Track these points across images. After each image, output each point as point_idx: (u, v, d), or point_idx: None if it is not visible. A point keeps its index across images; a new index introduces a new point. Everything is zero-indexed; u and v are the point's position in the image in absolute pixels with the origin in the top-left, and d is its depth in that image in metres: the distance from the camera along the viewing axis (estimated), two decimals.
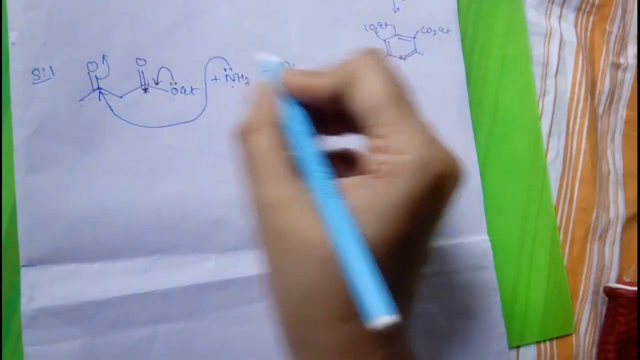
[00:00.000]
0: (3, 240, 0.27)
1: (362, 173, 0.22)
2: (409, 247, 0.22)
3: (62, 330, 0.27)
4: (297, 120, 0.24)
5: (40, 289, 0.27)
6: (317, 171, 0.22)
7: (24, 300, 0.27)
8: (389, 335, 0.22)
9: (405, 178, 0.20)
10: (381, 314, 0.18)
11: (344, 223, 0.20)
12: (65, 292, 0.27)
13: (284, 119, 0.24)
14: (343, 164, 0.26)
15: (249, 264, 0.30)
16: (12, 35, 0.27)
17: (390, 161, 0.21)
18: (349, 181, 0.22)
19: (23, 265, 0.27)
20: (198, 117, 0.30)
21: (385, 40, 0.34)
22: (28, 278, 0.27)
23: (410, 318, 0.24)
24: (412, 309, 0.24)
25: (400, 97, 0.22)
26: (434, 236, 0.23)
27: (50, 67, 0.28)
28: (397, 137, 0.21)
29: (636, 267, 0.41)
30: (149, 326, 0.28)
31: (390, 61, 0.23)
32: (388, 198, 0.20)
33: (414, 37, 0.34)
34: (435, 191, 0.21)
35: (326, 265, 0.20)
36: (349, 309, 0.20)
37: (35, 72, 0.28)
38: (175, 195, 0.29)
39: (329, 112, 0.24)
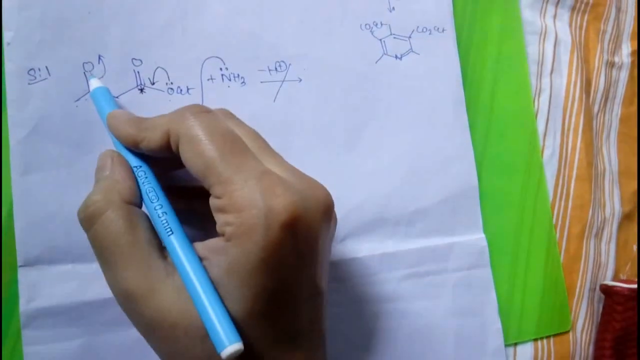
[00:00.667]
0: (2, 240, 0.27)
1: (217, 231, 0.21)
2: (288, 296, 0.21)
3: (61, 330, 0.27)
4: (144, 179, 0.23)
5: (38, 289, 0.27)
6: (176, 241, 0.21)
7: (22, 300, 0.27)
8: None
9: (253, 236, 0.19)
10: (227, 344, 0.18)
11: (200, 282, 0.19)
12: (64, 292, 0.27)
13: (128, 185, 0.22)
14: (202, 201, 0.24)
15: None
16: (7, 35, 0.27)
17: (233, 221, 0.20)
18: (207, 246, 0.21)
19: (21, 266, 0.27)
20: None
21: (380, 40, 0.34)
22: (26, 278, 0.27)
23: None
24: (325, 343, 0.23)
25: (228, 149, 0.21)
26: (318, 274, 0.22)
27: (46, 67, 0.28)
28: (235, 194, 0.20)
29: (631, 265, 0.42)
30: None
31: (205, 113, 0.23)
32: (244, 260, 0.19)
33: (410, 37, 0.34)
34: (290, 240, 0.20)
35: (205, 342, 0.19)
36: None
37: (31, 72, 0.28)
38: None
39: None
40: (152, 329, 0.20)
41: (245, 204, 0.19)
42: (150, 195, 0.22)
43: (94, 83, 0.27)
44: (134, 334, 0.27)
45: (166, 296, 0.20)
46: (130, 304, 0.21)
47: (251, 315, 0.20)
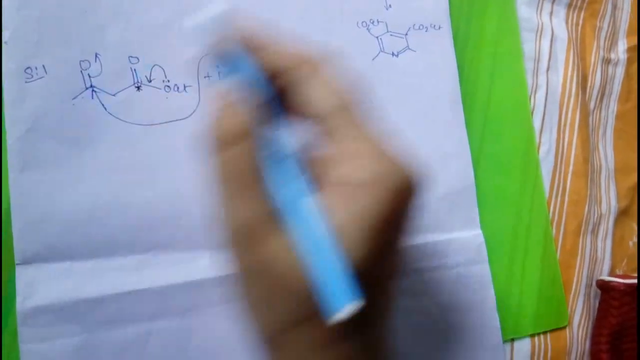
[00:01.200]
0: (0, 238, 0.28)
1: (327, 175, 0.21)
2: (377, 262, 0.21)
3: (58, 328, 0.27)
4: (267, 113, 0.22)
5: (35, 287, 0.27)
6: (293, 184, 0.21)
7: (19, 298, 0.27)
8: (356, 328, 0.21)
9: (379, 186, 0.20)
10: (346, 302, 0.18)
11: (317, 228, 0.19)
12: (61, 290, 0.27)
13: (255, 119, 0.22)
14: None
15: None
16: (5, 34, 0.27)
17: (344, 179, 0.20)
18: (322, 195, 0.21)
19: (18, 264, 0.27)
20: (191, 114, 0.30)
21: (377, 37, 0.34)
22: (23, 276, 0.27)
23: (392, 318, 0.23)
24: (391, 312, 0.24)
25: (347, 108, 0.21)
26: (399, 248, 0.22)
27: (43, 65, 0.28)
28: (349, 155, 0.20)
29: (628, 261, 0.42)
30: (145, 323, 0.28)
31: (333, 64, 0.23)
32: (346, 215, 0.19)
33: (406, 34, 0.35)
34: (394, 206, 0.20)
35: (310, 298, 0.19)
36: (335, 334, 0.20)
37: (28, 70, 0.28)
38: (169, 193, 0.29)
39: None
40: (255, 269, 0.20)
41: (353, 172, 0.20)
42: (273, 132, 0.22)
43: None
44: (131, 331, 0.28)
45: (275, 243, 0.20)
46: (245, 239, 0.20)
47: (358, 259, 0.20)
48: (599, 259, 0.40)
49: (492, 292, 0.35)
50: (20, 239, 0.27)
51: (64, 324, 0.27)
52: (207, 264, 0.29)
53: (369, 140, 0.21)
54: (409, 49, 0.35)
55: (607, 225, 0.41)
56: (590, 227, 0.40)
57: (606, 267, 0.41)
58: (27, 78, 0.28)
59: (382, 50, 0.34)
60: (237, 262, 0.21)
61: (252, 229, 0.20)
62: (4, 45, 0.27)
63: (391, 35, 0.34)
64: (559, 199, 0.39)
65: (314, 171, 0.22)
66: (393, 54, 0.34)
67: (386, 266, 0.22)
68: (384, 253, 0.21)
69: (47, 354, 0.27)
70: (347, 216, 0.19)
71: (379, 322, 0.22)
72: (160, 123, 0.29)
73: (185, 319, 0.29)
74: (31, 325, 0.27)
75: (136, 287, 0.28)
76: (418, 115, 0.34)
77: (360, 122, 0.21)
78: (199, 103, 0.30)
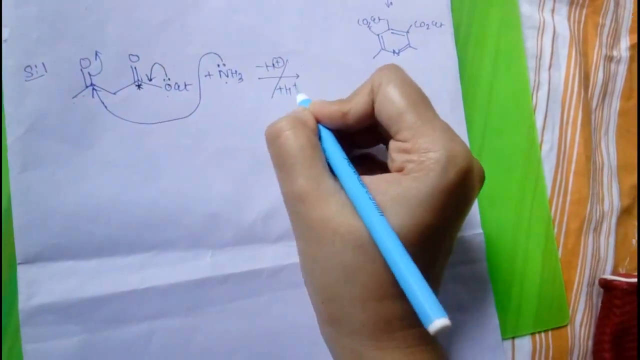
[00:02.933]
0: (1, 238, 0.27)
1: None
2: (435, 239, 0.23)
3: (60, 328, 0.27)
4: (326, 136, 0.26)
5: (37, 286, 0.27)
6: (347, 171, 0.24)
7: (21, 297, 0.27)
8: (409, 319, 0.23)
9: (430, 173, 0.22)
10: (437, 318, 0.19)
11: (377, 219, 0.21)
12: (63, 289, 0.27)
13: (312, 121, 0.25)
14: (365, 167, 0.27)
15: (246, 259, 0.30)
16: (5, 32, 0.27)
17: (416, 159, 0.23)
18: (376, 178, 0.24)
19: (20, 263, 0.27)
20: (192, 113, 0.30)
21: (378, 35, 0.34)
22: (25, 275, 0.27)
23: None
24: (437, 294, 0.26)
25: (418, 102, 0.24)
26: (458, 230, 0.25)
27: (43, 64, 0.28)
28: (421, 139, 0.23)
29: (630, 259, 0.42)
30: (147, 322, 0.28)
31: (403, 70, 0.26)
32: (415, 192, 0.22)
33: (407, 32, 0.34)
34: (459, 186, 0.23)
35: (363, 250, 0.22)
36: (384, 290, 0.23)
37: (28, 69, 0.27)
38: (171, 191, 0.29)
39: (353, 131, 0.27)
40: (312, 229, 0.23)
41: (432, 147, 0.23)
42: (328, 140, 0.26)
43: (301, 97, 0.29)
44: (133, 330, 0.28)
45: (333, 206, 0.23)
46: (301, 205, 0.23)
47: (412, 234, 0.22)
48: (602, 257, 0.40)
49: (491, 290, 0.35)
50: (21, 239, 0.27)
51: (67, 323, 0.27)
52: (210, 263, 0.29)
53: (440, 127, 0.24)
54: (410, 46, 0.34)
55: (609, 224, 0.41)
56: (592, 226, 0.40)
57: (609, 265, 0.40)
58: (27, 76, 0.27)
59: (383, 48, 0.34)
60: (296, 225, 0.25)
61: (308, 194, 0.23)
62: (3, 44, 0.27)
63: (392, 32, 0.34)
64: (560, 197, 0.39)
65: (389, 158, 0.25)
66: (394, 52, 0.34)
67: (445, 243, 0.24)
68: (449, 228, 0.24)
69: (50, 354, 0.27)
70: (422, 187, 0.22)
71: None
72: (161, 122, 0.29)
73: (188, 318, 0.29)
74: (34, 324, 0.27)
75: (138, 286, 0.28)
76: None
77: (431, 113, 0.24)
78: (199, 102, 0.30)
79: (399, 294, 0.22)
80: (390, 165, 0.25)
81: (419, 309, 0.20)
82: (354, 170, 0.24)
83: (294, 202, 0.24)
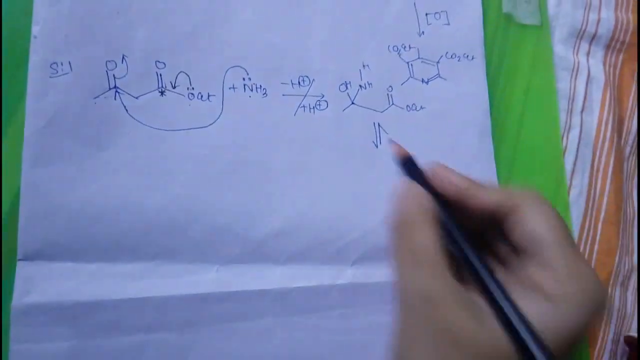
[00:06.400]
0: (2, 232, 0.27)
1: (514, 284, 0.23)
2: None
3: (52, 330, 0.26)
4: (448, 218, 0.24)
5: (34, 284, 0.26)
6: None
7: (16, 294, 0.26)
8: None
9: (578, 306, 0.21)
10: None
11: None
12: (59, 290, 0.26)
13: (435, 208, 0.24)
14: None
15: (251, 278, 0.29)
16: (35, 29, 0.28)
17: (561, 287, 0.21)
18: (515, 289, 0.22)
19: (19, 259, 0.26)
20: (212, 123, 0.29)
21: (408, 63, 0.33)
22: (23, 272, 0.26)
23: None
24: None
25: (567, 236, 0.23)
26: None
27: (69, 62, 0.28)
28: (564, 270, 0.22)
29: None
30: (142, 333, 0.27)
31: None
32: (562, 325, 0.21)
33: (438, 62, 0.34)
34: (588, 325, 0.22)
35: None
36: None
37: (54, 65, 0.27)
38: (180, 200, 0.28)
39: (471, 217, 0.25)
40: (434, 334, 0.21)
41: (575, 282, 0.22)
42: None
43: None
44: (127, 340, 0.27)
45: (462, 312, 0.21)
46: (426, 305, 0.22)
47: None
48: (628, 313, 0.38)
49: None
50: (24, 235, 0.26)
51: (58, 326, 0.26)
52: (213, 278, 0.28)
53: (585, 261, 0.23)
54: (440, 77, 0.34)
55: (638, 279, 0.39)
56: (620, 279, 0.38)
57: (635, 322, 0.38)
58: (52, 73, 0.27)
59: (412, 76, 0.33)
60: (412, 325, 0.23)
61: (436, 296, 0.22)
62: (32, 40, 0.27)
63: (422, 62, 0.33)
64: (588, 246, 0.37)
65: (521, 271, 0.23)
66: (423, 81, 0.33)
67: None
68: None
69: (38, 356, 0.26)
70: (553, 324, 0.21)
71: None
72: (180, 130, 0.29)
73: (184, 334, 0.28)
74: (24, 324, 0.26)
75: (137, 295, 0.27)
76: (445, 144, 0.33)
77: (575, 250, 0.23)
78: (221, 113, 0.30)
79: None
80: (521, 277, 0.23)
81: None
82: (492, 272, 0.23)
83: (417, 300, 0.22)
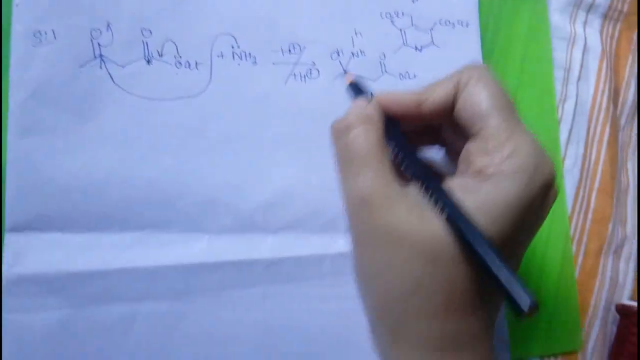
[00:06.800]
0: None
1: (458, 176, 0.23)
2: (510, 249, 0.22)
3: (43, 300, 0.26)
4: (395, 132, 0.25)
5: (23, 255, 0.26)
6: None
7: (5, 266, 0.26)
8: (478, 337, 0.22)
9: (516, 181, 0.21)
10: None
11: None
12: (49, 261, 0.26)
13: (380, 118, 0.24)
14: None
15: (243, 248, 0.29)
16: None
17: (498, 163, 0.21)
18: (455, 182, 0.22)
19: (8, 230, 0.26)
20: (201, 93, 0.29)
21: (400, 30, 0.33)
22: (12, 243, 0.26)
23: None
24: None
25: (508, 106, 0.23)
26: (526, 248, 0.24)
27: (53, 30, 0.27)
28: (508, 143, 0.21)
29: None
30: (133, 303, 0.27)
31: (493, 73, 0.24)
32: (497, 199, 0.21)
33: (431, 29, 0.33)
34: (540, 199, 0.22)
35: (435, 261, 0.21)
36: (454, 304, 0.21)
37: (37, 34, 0.27)
38: (170, 171, 0.28)
39: (411, 128, 0.26)
40: (376, 236, 0.22)
41: (518, 152, 0.21)
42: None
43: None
44: (118, 310, 0.27)
45: (399, 211, 0.21)
46: (364, 209, 0.22)
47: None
48: (620, 282, 0.38)
49: (502, 308, 0.33)
50: (12, 206, 0.26)
51: (49, 296, 0.26)
52: (204, 248, 0.28)
53: (528, 134, 0.22)
54: (434, 44, 0.33)
55: (631, 248, 0.39)
56: (612, 248, 0.38)
57: (627, 291, 0.38)
58: (36, 42, 0.27)
59: (404, 44, 0.32)
60: (357, 230, 0.23)
61: (374, 197, 0.22)
62: (14, 8, 0.27)
63: (415, 29, 0.33)
64: (581, 215, 0.37)
65: (464, 160, 0.23)
66: (416, 48, 0.33)
67: (516, 259, 0.23)
68: (522, 243, 0.23)
69: (29, 326, 0.26)
70: (499, 199, 0.21)
71: (498, 304, 0.24)
72: (169, 99, 0.28)
73: (176, 303, 0.28)
74: (15, 294, 0.26)
75: (126, 265, 0.27)
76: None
77: (518, 120, 0.23)
78: (209, 82, 0.29)
79: (470, 309, 0.21)
80: (463, 168, 0.23)
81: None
82: (430, 171, 0.23)
83: (357, 204, 0.22)
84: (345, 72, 0.30)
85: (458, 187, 0.22)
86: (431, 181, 0.22)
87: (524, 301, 0.19)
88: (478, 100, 0.23)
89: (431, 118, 0.25)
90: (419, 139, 0.27)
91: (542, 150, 0.22)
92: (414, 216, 0.21)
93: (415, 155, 0.24)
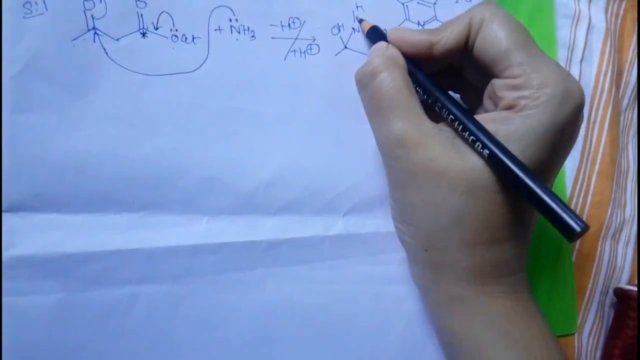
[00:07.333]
0: None
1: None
2: (544, 175, 0.23)
3: (39, 283, 0.25)
4: (420, 72, 0.25)
5: (19, 236, 0.25)
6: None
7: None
8: (513, 265, 0.24)
9: (546, 110, 0.21)
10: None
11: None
12: (45, 243, 0.25)
13: (403, 59, 0.25)
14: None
15: (243, 229, 0.28)
16: None
17: (529, 95, 0.22)
18: (486, 116, 0.23)
19: (3, 211, 0.25)
20: (198, 68, 0.28)
21: (403, 4, 0.32)
22: (7, 224, 0.25)
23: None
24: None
25: (527, 39, 0.23)
26: (559, 169, 0.25)
27: (44, 1, 0.26)
28: (535, 74, 0.22)
29: None
30: (131, 286, 0.26)
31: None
32: (530, 128, 0.21)
33: (435, 3, 0.32)
34: (572, 123, 0.23)
35: (472, 193, 0.22)
36: (492, 233, 0.22)
37: (27, 5, 0.26)
38: (167, 150, 0.27)
39: (434, 69, 0.27)
40: (414, 174, 0.23)
41: (547, 82, 0.22)
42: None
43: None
44: (117, 292, 0.26)
45: (436, 148, 0.22)
46: (401, 150, 0.23)
47: None
48: (618, 266, 0.38)
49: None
50: (7, 185, 0.25)
51: (46, 278, 0.25)
52: (203, 229, 0.28)
53: (552, 62, 0.23)
54: (437, 19, 0.32)
55: (629, 232, 0.39)
56: (611, 232, 0.38)
57: (625, 275, 0.38)
58: (26, 13, 0.26)
59: (407, 19, 0.32)
60: (396, 171, 0.24)
61: (409, 137, 0.22)
62: None
63: (418, 3, 0.32)
64: (581, 198, 0.37)
65: (491, 96, 0.24)
66: (419, 24, 0.32)
67: (549, 183, 0.24)
68: (555, 165, 0.24)
69: (26, 309, 0.25)
70: (537, 124, 0.21)
71: (528, 234, 0.25)
72: (165, 74, 0.27)
73: (175, 285, 0.27)
74: (11, 277, 0.25)
75: (124, 246, 0.26)
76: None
77: (538, 49, 0.23)
78: (207, 56, 0.28)
79: (507, 237, 0.23)
80: (490, 104, 0.24)
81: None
82: (462, 106, 0.23)
83: (393, 147, 0.23)
84: (360, 20, 0.30)
85: (490, 120, 0.22)
86: (464, 115, 0.22)
87: (577, 222, 0.19)
88: (497, 40, 0.23)
89: (443, 59, 0.25)
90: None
91: (569, 75, 0.22)
92: (450, 151, 0.22)
93: (443, 91, 0.24)
